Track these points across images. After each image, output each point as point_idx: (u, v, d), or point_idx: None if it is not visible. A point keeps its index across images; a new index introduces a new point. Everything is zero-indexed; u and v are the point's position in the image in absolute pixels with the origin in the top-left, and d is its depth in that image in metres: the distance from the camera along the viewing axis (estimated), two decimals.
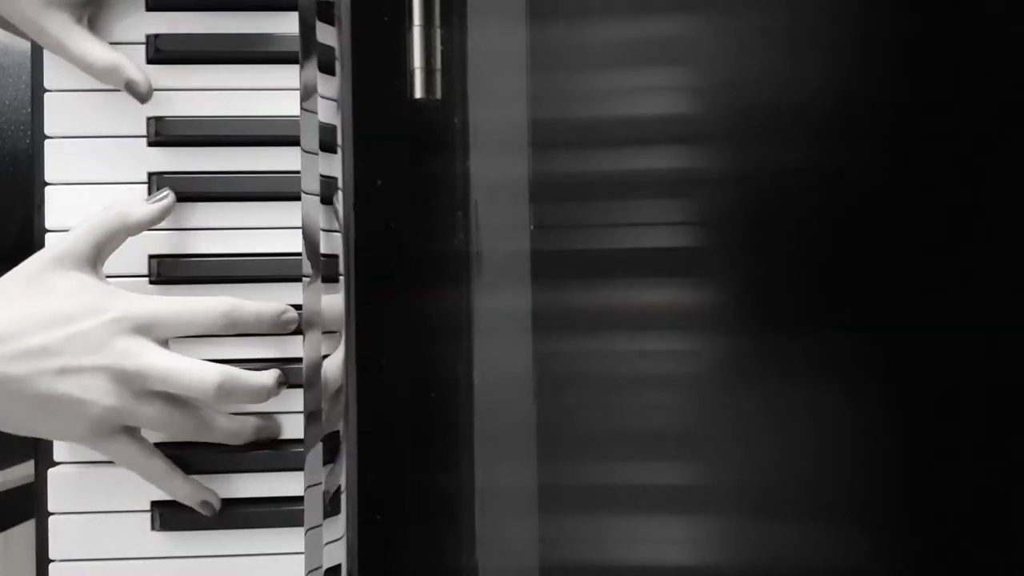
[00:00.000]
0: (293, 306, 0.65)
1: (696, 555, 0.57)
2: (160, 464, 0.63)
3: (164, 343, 0.63)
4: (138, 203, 0.64)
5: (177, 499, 0.64)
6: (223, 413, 0.64)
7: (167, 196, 0.65)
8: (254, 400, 0.63)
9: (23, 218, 0.67)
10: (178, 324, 0.62)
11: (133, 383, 0.61)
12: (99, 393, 0.60)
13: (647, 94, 0.57)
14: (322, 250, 0.58)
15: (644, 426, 0.57)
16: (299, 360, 0.64)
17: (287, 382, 0.64)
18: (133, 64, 0.65)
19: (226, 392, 0.61)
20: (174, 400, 0.62)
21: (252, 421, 0.65)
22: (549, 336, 0.56)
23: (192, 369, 0.61)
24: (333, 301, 0.56)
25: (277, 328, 0.64)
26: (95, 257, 0.63)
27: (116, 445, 0.62)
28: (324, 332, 0.57)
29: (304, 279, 0.57)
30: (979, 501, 0.56)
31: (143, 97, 0.65)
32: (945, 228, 0.56)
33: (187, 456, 0.65)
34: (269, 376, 0.63)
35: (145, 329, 0.61)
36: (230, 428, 0.64)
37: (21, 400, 0.60)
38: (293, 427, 0.66)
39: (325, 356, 0.58)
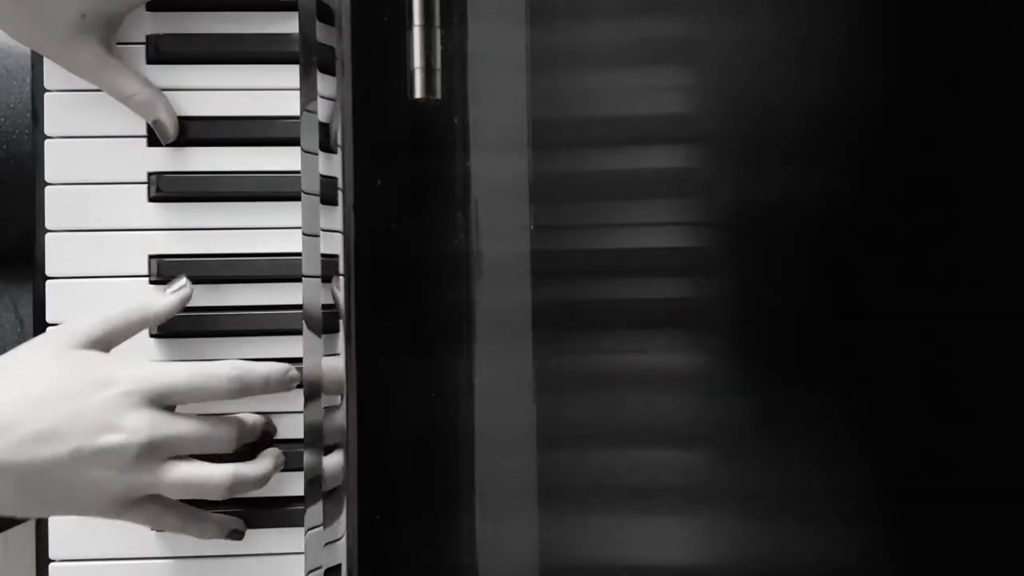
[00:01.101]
0: (293, 307, 0.65)
1: (696, 555, 0.57)
2: (189, 511, 0.62)
3: (173, 408, 0.61)
4: (158, 295, 0.64)
5: (207, 538, 0.63)
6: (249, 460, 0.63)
7: (185, 286, 0.64)
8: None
9: (24, 219, 0.67)
10: (190, 393, 0.60)
11: (157, 454, 0.58)
12: (120, 470, 0.57)
13: (647, 94, 0.57)
14: (322, 250, 0.58)
15: (644, 426, 0.57)
16: (295, 360, 0.64)
17: (283, 463, 0.64)
18: (166, 104, 0.65)
19: (242, 435, 0.62)
20: (196, 459, 0.60)
21: (273, 454, 0.64)
22: (549, 336, 0.56)
23: (222, 427, 0.60)
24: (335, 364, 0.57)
25: (283, 387, 0.63)
26: (106, 343, 0.61)
27: (143, 512, 0.60)
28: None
29: (303, 283, 0.58)
30: (978, 501, 0.56)
31: (167, 138, 0.65)
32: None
33: None
34: (269, 461, 0.63)
35: (157, 400, 0.59)
36: (257, 467, 0.62)
37: (34, 486, 0.57)
38: (293, 427, 0.66)
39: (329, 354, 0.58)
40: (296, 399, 0.64)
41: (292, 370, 0.63)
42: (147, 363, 0.61)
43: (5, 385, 0.58)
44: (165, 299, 0.63)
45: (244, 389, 0.61)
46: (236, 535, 0.64)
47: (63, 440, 0.57)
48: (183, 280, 0.64)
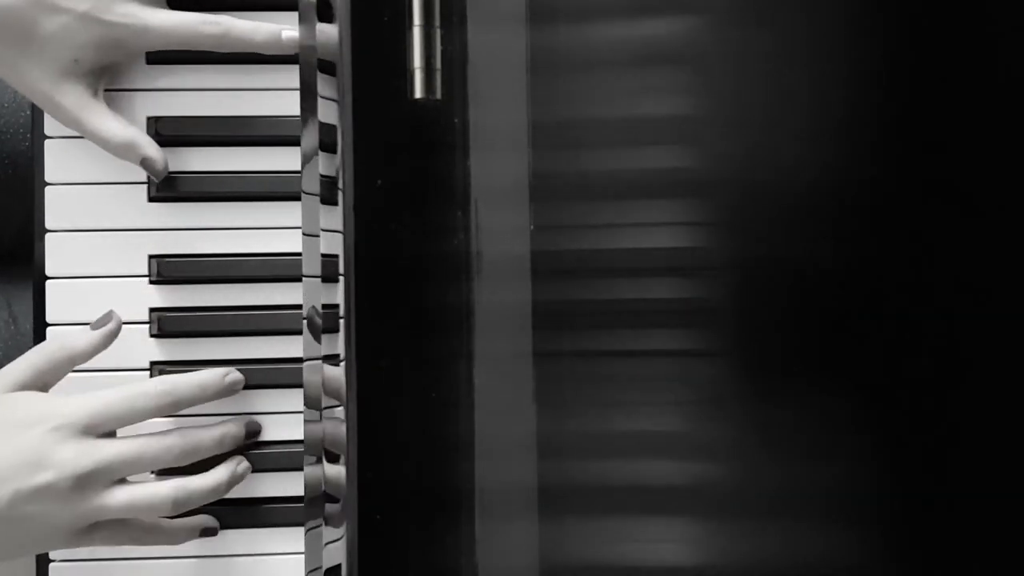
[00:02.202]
0: (293, 307, 0.65)
1: (696, 555, 0.57)
2: (145, 525, 0.62)
3: (112, 434, 0.61)
4: (82, 332, 0.62)
5: (178, 543, 0.63)
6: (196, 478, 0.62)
7: (111, 321, 0.63)
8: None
9: (22, 218, 0.67)
10: (120, 417, 0.60)
11: (89, 485, 0.58)
12: (58, 506, 0.58)
13: (647, 94, 0.57)
14: (322, 250, 0.58)
15: (644, 426, 0.57)
16: (295, 360, 0.64)
17: (247, 470, 0.64)
18: (149, 141, 0.64)
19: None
20: (138, 482, 0.60)
21: (227, 475, 0.63)
22: (549, 335, 0.56)
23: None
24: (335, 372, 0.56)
25: (224, 393, 0.63)
26: (38, 386, 0.61)
27: (99, 537, 0.60)
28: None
29: (303, 283, 0.58)
30: (977, 502, 0.56)
31: (159, 174, 0.64)
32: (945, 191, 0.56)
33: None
34: (223, 472, 0.62)
35: (88, 430, 0.59)
36: (206, 488, 0.62)
37: None
38: (293, 427, 0.66)
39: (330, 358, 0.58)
40: (293, 399, 0.64)
41: (232, 373, 0.64)
42: (76, 396, 0.60)
43: None
44: (88, 336, 0.63)
45: (176, 403, 0.61)
46: (209, 532, 0.64)
47: (1, 484, 0.57)
48: (111, 315, 0.63)
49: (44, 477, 0.57)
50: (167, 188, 0.65)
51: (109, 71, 0.64)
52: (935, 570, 0.57)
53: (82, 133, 0.64)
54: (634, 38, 0.57)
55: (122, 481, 0.60)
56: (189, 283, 0.65)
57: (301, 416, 0.61)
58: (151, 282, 0.65)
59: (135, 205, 0.66)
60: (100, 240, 0.65)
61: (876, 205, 0.56)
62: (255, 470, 0.65)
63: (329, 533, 0.57)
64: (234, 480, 0.63)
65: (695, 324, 0.57)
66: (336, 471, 0.57)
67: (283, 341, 0.65)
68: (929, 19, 0.56)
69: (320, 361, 0.58)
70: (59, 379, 0.62)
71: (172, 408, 0.61)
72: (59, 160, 0.65)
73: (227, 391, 0.63)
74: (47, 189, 0.65)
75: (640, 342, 0.57)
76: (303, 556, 0.58)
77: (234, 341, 0.65)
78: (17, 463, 0.57)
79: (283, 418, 0.66)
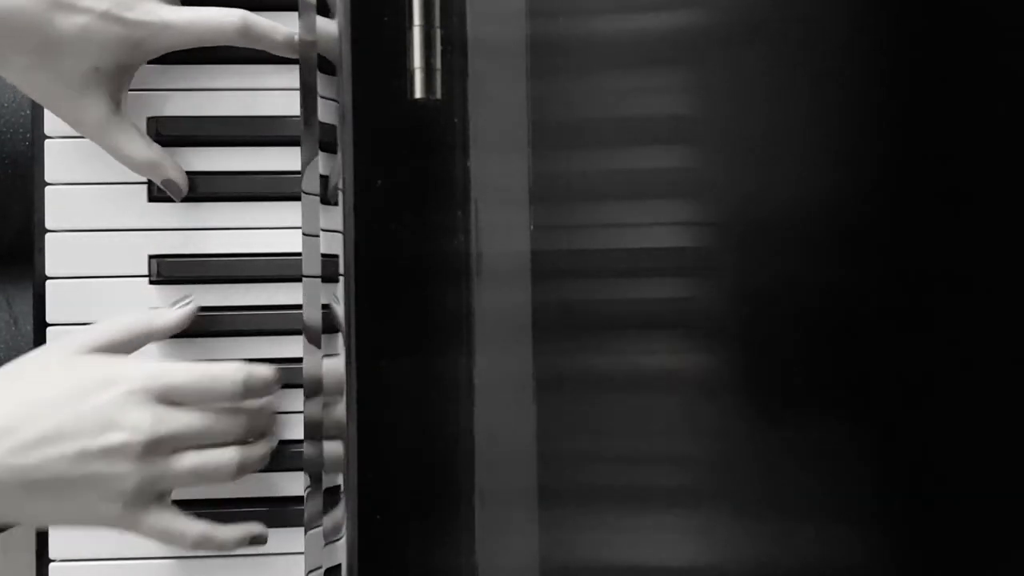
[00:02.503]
0: (293, 307, 0.65)
1: (696, 555, 0.57)
2: (201, 523, 0.61)
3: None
4: (163, 311, 0.63)
5: (229, 549, 0.62)
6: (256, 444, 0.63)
7: (189, 303, 0.64)
8: (273, 390, 0.62)
9: (22, 219, 0.67)
10: (196, 394, 0.60)
11: (163, 447, 0.58)
12: (126, 467, 0.57)
13: (647, 94, 0.57)
14: (322, 250, 0.58)
15: (644, 426, 0.57)
16: (295, 360, 0.64)
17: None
18: (173, 163, 0.64)
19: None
20: (206, 446, 0.60)
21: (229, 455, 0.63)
22: (549, 336, 0.56)
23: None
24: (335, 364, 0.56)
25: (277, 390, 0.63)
26: (116, 352, 0.61)
27: (151, 518, 0.59)
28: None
29: (303, 283, 0.57)
30: (976, 502, 0.56)
31: (178, 195, 0.64)
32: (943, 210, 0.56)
33: None
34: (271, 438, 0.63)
35: (161, 398, 0.59)
36: (262, 453, 0.63)
37: (41, 491, 0.56)
38: (293, 427, 0.66)
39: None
40: (296, 399, 0.64)
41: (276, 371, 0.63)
42: (152, 362, 0.61)
43: (7, 394, 0.58)
44: (171, 314, 0.63)
45: (249, 392, 0.61)
46: (259, 540, 0.63)
47: (68, 440, 0.56)
48: (189, 297, 0.64)
49: (115, 437, 0.57)
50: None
51: (128, 76, 0.63)
52: (935, 570, 0.57)
53: (105, 149, 0.63)
54: (634, 38, 0.57)
55: (186, 449, 0.59)
56: (189, 283, 0.65)
57: (301, 416, 0.61)
58: (151, 282, 0.65)
59: (135, 205, 0.66)
60: (100, 240, 0.65)
61: (879, 209, 0.56)
62: (255, 470, 0.65)
63: (329, 533, 0.57)
64: (272, 448, 0.63)
65: (695, 324, 0.57)
66: (336, 471, 0.57)
67: (283, 341, 0.66)
68: (930, 20, 0.56)
69: (320, 361, 0.58)
70: (132, 351, 0.62)
71: (243, 396, 0.61)
72: (59, 160, 0.65)
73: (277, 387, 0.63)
74: (47, 189, 0.65)
75: (640, 342, 0.57)
76: (303, 556, 0.58)
77: (234, 341, 0.65)
78: (89, 422, 0.57)
79: (282, 418, 0.66)
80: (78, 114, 0.61)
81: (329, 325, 0.58)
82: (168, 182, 0.64)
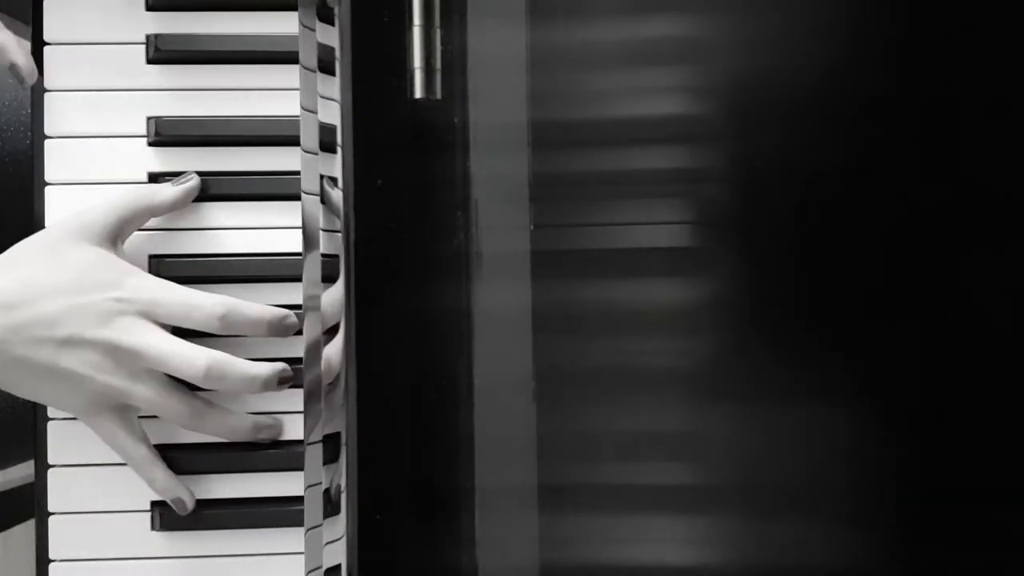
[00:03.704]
0: (293, 307, 0.65)
1: (696, 555, 0.57)
2: (145, 452, 0.64)
3: (166, 327, 0.63)
4: (163, 185, 0.65)
5: (154, 491, 0.64)
6: (220, 407, 0.64)
7: (192, 179, 0.65)
8: (247, 389, 0.63)
9: (23, 219, 0.67)
10: (173, 315, 0.63)
11: (129, 361, 0.61)
12: (96, 368, 0.61)
13: (647, 94, 0.57)
14: (322, 250, 0.58)
15: (644, 426, 0.57)
16: (295, 360, 0.63)
17: (291, 379, 0.64)
18: (19, 47, 0.65)
19: (215, 376, 0.62)
20: (171, 384, 0.63)
21: (251, 419, 0.65)
22: (549, 336, 0.56)
23: (182, 352, 0.62)
24: (334, 295, 0.56)
25: (278, 332, 0.64)
26: (116, 234, 0.64)
27: (108, 424, 0.63)
28: (325, 332, 0.57)
29: (304, 275, 0.57)
30: (976, 502, 0.56)
31: (23, 80, 0.65)
32: (940, 224, 0.56)
33: (185, 455, 0.65)
34: (266, 367, 0.63)
35: (147, 311, 0.62)
36: (226, 423, 0.64)
37: (24, 366, 0.61)
38: (293, 427, 0.66)
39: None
40: (297, 399, 0.64)
41: (291, 316, 0.65)
42: (153, 278, 0.63)
43: (18, 271, 0.62)
44: (171, 188, 0.65)
45: (229, 327, 0.63)
46: (180, 505, 0.64)
47: (57, 327, 0.61)
48: (191, 174, 0.65)
49: (93, 334, 0.61)
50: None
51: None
52: (936, 570, 0.57)
53: None
54: (634, 38, 0.57)
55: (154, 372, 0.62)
56: (189, 283, 0.65)
57: (301, 416, 0.61)
58: None
59: None
60: None
61: (881, 205, 0.56)
62: (255, 471, 0.65)
63: (329, 533, 0.57)
64: (272, 380, 0.64)
65: (695, 324, 0.56)
66: (336, 471, 0.57)
67: (283, 341, 0.65)
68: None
69: (319, 361, 0.58)
70: (135, 230, 0.65)
71: (224, 329, 0.63)
72: (59, 160, 0.65)
73: (281, 332, 0.65)
74: (47, 189, 0.65)
75: (640, 342, 0.57)
76: (303, 556, 0.58)
77: (235, 341, 0.65)
78: (80, 315, 0.61)
79: (283, 418, 0.66)
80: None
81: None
82: (13, 67, 0.65)
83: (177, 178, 0.65)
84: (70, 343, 0.61)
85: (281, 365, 0.64)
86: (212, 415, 0.64)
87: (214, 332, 0.63)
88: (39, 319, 0.61)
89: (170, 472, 0.64)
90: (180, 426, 0.64)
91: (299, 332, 0.65)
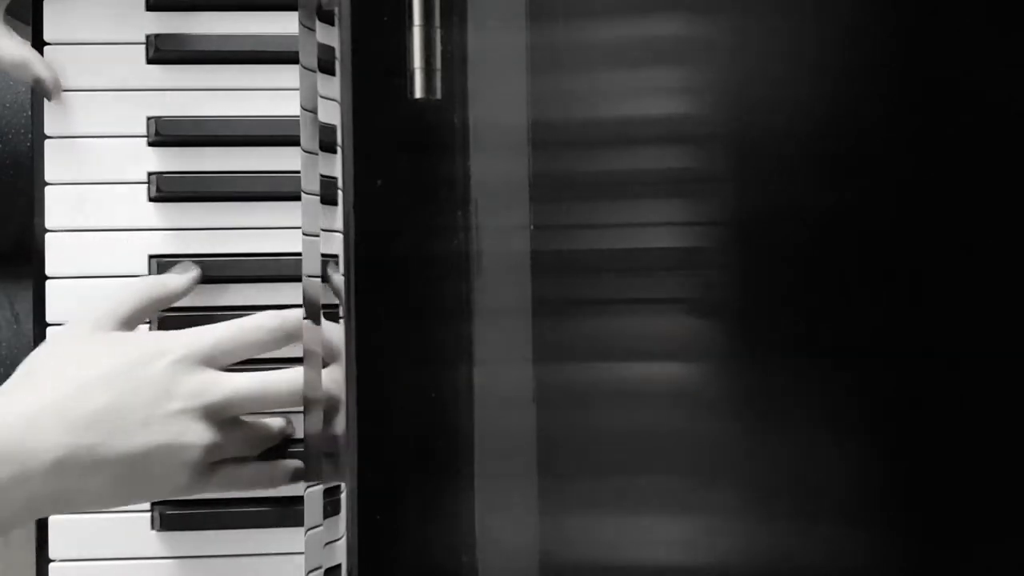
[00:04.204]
0: (293, 307, 0.65)
1: (696, 555, 0.57)
2: (263, 466, 0.62)
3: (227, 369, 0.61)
4: (170, 276, 0.64)
5: (281, 484, 0.63)
6: (256, 422, 0.63)
7: (193, 270, 0.64)
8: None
9: (24, 219, 0.67)
10: (237, 349, 0.60)
11: (221, 414, 0.59)
12: (192, 435, 0.57)
13: (647, 94, 0.57)
14: (322, 250, 0.58)
15: (644, 426, 0.57)
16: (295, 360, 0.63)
17: None
18: (43, 62, 0.64)
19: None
20: (248, 424, 0.61)
21: (278, 423, 0.64)
22: (549, 336, 0.56)
23: (277, 380, 0.60)
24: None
25: None
26: (133, 322, 0.62)
27: (220, 478, 0.60)
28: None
29: (304, 282, 0.57)
30: (976, 501, 0.56)
31: (49, 95, 0.64)
32: (947, 228, 0.56)
33: None
34: None
35: (210, 360, 0.59)
36: (270, 434, 0.63)
37: (103, 469, 0.56)
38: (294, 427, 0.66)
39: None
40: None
41: None
42: (188, 330, 0.61)
43: (50, 374, 0.57)
44: (179, 279, 0.64)
45: (288, 337, 0.62)
46: (300, 476, 0.63)
47: (128, 413, 0.56)
48: (189, 264, 0.64)
49: (175, 405, 0.57)
50: (167, 188, 0.65)
51: None
52: (935, 571, 0.57)
53: None
54: (634, 37, 0.57)
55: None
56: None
57: (301, 416, 0.61)
58: None
59: (135, 205, 0.66)
60: (100, 240, 0.65)
61: (883, 207, 0.56)
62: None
63: (329, 533, 0.57)
64: None
65: (696, 324, 0.56)
66: (336, 471, 0.57)
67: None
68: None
69: (319, 360, 0.58)
70: (149, 317, 0.63)
71: (285, 342, 0.62)
72: (59, 160, 0.65)
73: None
74: (47, 189, 0.65)
75: (640, 342, 0.57)
76: (303, 556, 0.58)
77: None
78: (145, 394, 0.56)
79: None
80: None
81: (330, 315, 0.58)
82: (39, 82, 0.64)
83: (177, 267, 0.64)
84: (151, 422, 0.56)
85: None
86: (272, 430, 0.63)
87: (281, 346, 0.62)
88: (98, 414, 0.55)
89: (277, 463, 0.63)
90: (294, 399, 0.60)
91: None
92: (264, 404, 0.60)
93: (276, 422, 0.63)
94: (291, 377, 0.60)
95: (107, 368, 0.57)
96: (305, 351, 0.58)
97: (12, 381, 0.58)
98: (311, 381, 0.58)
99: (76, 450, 0.55)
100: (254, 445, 0.62)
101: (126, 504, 0.60)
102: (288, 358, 0.65)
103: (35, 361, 0.59)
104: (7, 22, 0.64)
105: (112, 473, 0.56)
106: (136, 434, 0.56)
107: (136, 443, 0.56)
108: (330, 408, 0.57)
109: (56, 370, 0.57)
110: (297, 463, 0.63)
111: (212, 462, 0.59)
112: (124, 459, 0.56)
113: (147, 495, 0.60)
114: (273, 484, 0.63)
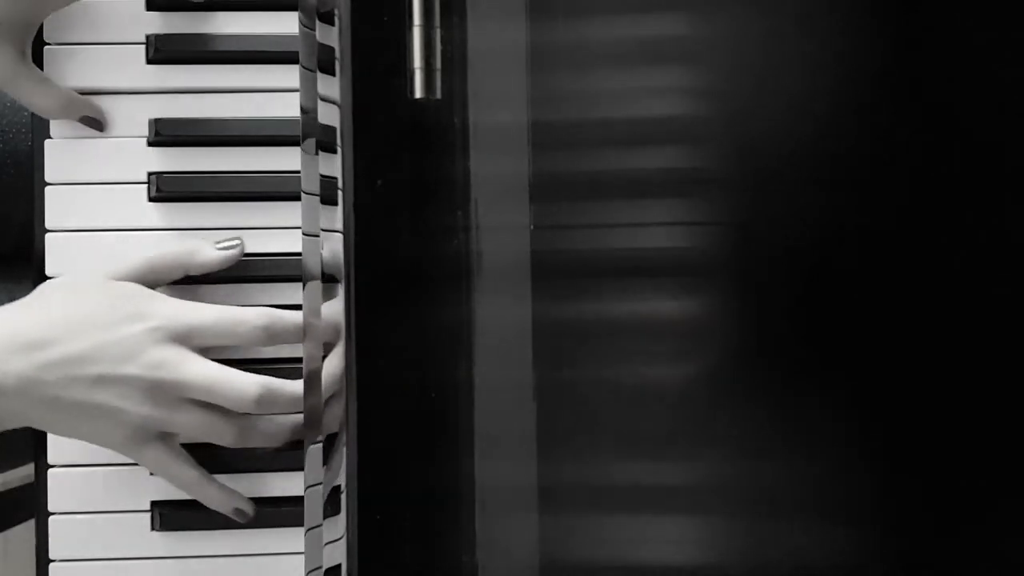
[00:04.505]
0: (293, 307, 0.65)
1: (696, 555, 0.57)
2: (195, 474, 0.63)
3: (203, 351, 0.62)
4: (208, 246, 0.64)
5: (212, 507, 0.64)
6: (261, 419, 0.63)
7: (238, 246, 0.65)
8: (296, 410, 0.62)
9: (24, 219, 0.67)
10: (217, 335, 0.62)
11: (170, 392, 0.60)
12: (134, 402, 0.60)
13: (647, 94, 0.57)
14: (322, 250, 0.58)
15: (644, 426, 0.57)
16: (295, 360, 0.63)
17: None
18: (84, 100, 0.65)
19: (267, 403, 0.61)
20: (212, 407, 0.62)
21: (290, 421, 0.64)
22: (549, 336, 0.56)
23: (232, 380, 0.61)
24: (333, 307, 0.56)
25: None
26: (149, 282, 0.63)
27: (151, 453, 0.62)
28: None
29: (304, 284, 0.57)
30: (975, 501, 0.56)
31: (101, 127, 0.65)
32: (945, 232, 0.56)
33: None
34: None
35: (184, 338, 0.61)
36: (268, 431, 0.63)
37: (58, 406, 0.60)
38: None
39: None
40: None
41: None
42: (182, 302, 0.62)
43: (48, 306, 0.61)
44: (210, 253, 0.64)
45: (273, 338, 0.62)
46: (241, 515, 0.64)
47: (89, 365, 0.59)
48: (238, 240, 0.65)
49: (128, 370, 0.60)
50: (167, 188, 0.65)
51: (33, 29, 0.64)
52: (935, 570, 0.57)
53: (16, 98, 0.64)
54: (634, 37, 0.57)
55: (195, 402, 0.61)
56: (189, 283, 0.65)
57: (301, 416, 0.61)
58: None
59: (135, 205, 0.66)
60: (100, 240, 0.65)
61: (880, 209, 0.56)
62: (254, 471, 0.65)
63: (329, 533, 0.57)
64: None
65: (696, 324, 0.56)
66: (336, 471, 0.57)
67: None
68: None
69: (320, 360, 0.58)
70: (168, 281, 0.64)
71: (269, 341, 0.63)
72: (59, 160, 0.65)
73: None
74: (47, 189, 0.65)
75: (641, 342, 0.57)
76: (303, 556, 0.58)
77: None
78: (112, 351, 0.60)
79: (281, 418, 0.66)
80: None
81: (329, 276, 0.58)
82: (86, 119, 0.65)
83: (222, 241, 0.65)
84: (103, 381, 0.59)
85: None
86: (255, 429, 0.63)
87: (260, 345, 0.63)
88: (68, 357, 0.59)
89: (224, 486, 0.64)
90: (226, 446, 0.63)
91: None
92: (213, 398, 0.61)
93: (273, 424, 0.63)
94: (246, 380, 0.61)
95: (96, 318, 0.60)
96: (305, 351, 0.58)
97: (16, 303, 0.62)
98: (311, 381, 0.58)
99: (39, 385, 0.59)
100: (226, 435, 0.62)
101: (74, 437, 0.63)
102: (288, 358, 0.65)
103: (44, 289, 0.62)
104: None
105: (61, 413, 0.60)
106: (89, 386, 0.59)
107: (86, 394, 0.59)
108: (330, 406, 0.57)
109: (57, 303, 0.61)
110: (240, 497, 0.64)
111: (152, 433, 0.61)
112: (73, 405, 0.60)
113: (87, 439, 0.62)
114: (206, 500, 0.64)
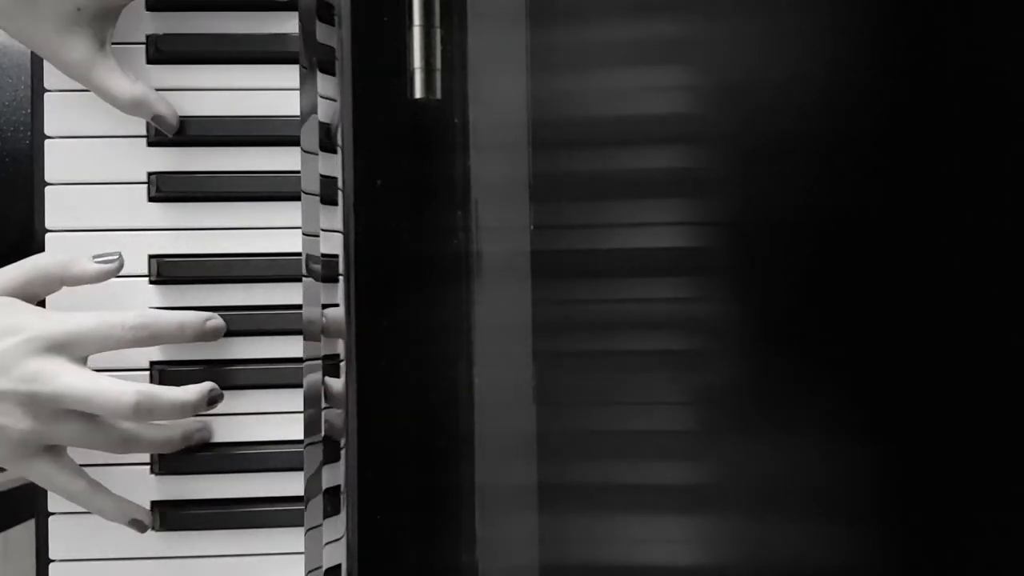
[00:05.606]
0: (293, 307, 0.65)
1: (696, 555, 0.57)
2: (83, 484, 0.62)
3: (83, 360, 0.61)
4: (85, 259, 0.63)
5: (107, 518, 0.63)
6: (147, 426, 0.62)
7: (115, 261, 0.63)
8: (176, 416, 0.61)
9: (23, 219, 0.67)
10: (93, 342, 0.61)
11: (47, 405, 0.59)
12: (12, 418, 0.59)
13: (647, 94, 0.57)
14: (322, 250, 0.58)
15: (644, 426, 0.57)
16: (295, 360, 0.63)
17: (221, 398, 0.63)
18: (158, 96, 0.64)
19: (144, 411, 0.60)
20: (94, 417, 0.60)
21: (179, 428, 0.63)
22: (549, 335, 0.56)
23: (107, 390, 0.59)
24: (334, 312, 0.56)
25: (204, 336, 0.63)
26: (25, 295, 0.62)
27: (37, 467, 0.61)
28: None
29: (303, 283, 0.57)
30: (974, 501, 0.56)
31: (172, 129, 0.64)
32: (945, 225, 0.56)
33: (184, 456, 0.65)
34: (193, 391, 0.62)
35: (59, 348, 0.60)
36: (157, 438, 0.63)
37: None
38: (294, 427, 0.66)
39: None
40: (289, 400, 0.64)
41: (215, 319, 0.64)
42: (57, 313, 0.61)
43: None
44: (85, 265, 0.63)
45: (152, 337, 0.62)
46: (138, 525, 0.63)
47: None
48: (116, 255, 0.63)
49: (3, 384, 0.58)
50: (167, 188, 0.65)
51: (113, 16, 0.64)
52: (935, 570, 0.57)
53: (91, 89, 0.63)
54: (635, 37, 0.57)
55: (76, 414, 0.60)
56: (189, 283, 0.65)
57: (301, 416, 0.61)
58: (151, 282, 0.65)
59: (135, 205, 0.66)
60: (100, 240, 0.65)
61: (879, 209, 0.57)
62: (254, 470, 0.65)
63: (329, 533, 0.57)
64: (202, 402, 0.62)
65: (696, 324, 0.57)
66: (336, 471, 0.57)
67: (283, 341, 0.66)
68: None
69: (320, 361, 0.58)
70: (46, 294, 0.63)
71: (148, 341, 0.62)
72: (59, 160, 0.65)
73: (207, 336, 0.64)
74: (47, 189, 0.65)
75: (641, 342, 0.57)
76: (303, 556, 0.58)
77: (234, 341, 0.65)
78: None
79: (284, 418, 0.66)
80: (62, 54, 0.62)
81: (328, 275, 0.58)
82: (157, 117, 0.64)
83: (101, 255, 0.63)
84: None
85: (209, 385, 0.63)
86: (141, 436, 0.62)
87: (140, 345, 0.62)
88: None
89: (118, 497, 0.63)
90: (110, 453, 0.62)
91: (299, 332, 0.65)
92: (90, 408, 0.60)
93: (162, 431, 0.63)
94: (122, 389, 0.60)
95: None
96: (305, 352, 0.58)
97: None
98: (311, 381, 0.58)
99: None
100: (110, 443, 0.61)
101: None
102: (285, 359, 0.65)
103: None
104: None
105: None
106: None
107: None
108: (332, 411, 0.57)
109: None
110: (136, 508, 0.63)
111: (36, 447, 0.60)
112: None
113: None
114: (100, 511, 0.63)
